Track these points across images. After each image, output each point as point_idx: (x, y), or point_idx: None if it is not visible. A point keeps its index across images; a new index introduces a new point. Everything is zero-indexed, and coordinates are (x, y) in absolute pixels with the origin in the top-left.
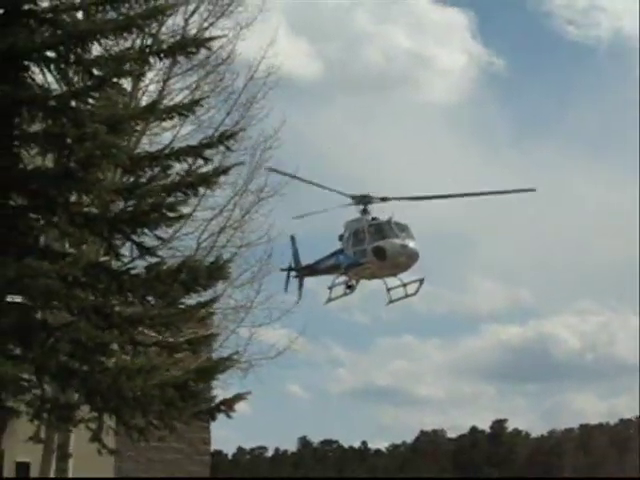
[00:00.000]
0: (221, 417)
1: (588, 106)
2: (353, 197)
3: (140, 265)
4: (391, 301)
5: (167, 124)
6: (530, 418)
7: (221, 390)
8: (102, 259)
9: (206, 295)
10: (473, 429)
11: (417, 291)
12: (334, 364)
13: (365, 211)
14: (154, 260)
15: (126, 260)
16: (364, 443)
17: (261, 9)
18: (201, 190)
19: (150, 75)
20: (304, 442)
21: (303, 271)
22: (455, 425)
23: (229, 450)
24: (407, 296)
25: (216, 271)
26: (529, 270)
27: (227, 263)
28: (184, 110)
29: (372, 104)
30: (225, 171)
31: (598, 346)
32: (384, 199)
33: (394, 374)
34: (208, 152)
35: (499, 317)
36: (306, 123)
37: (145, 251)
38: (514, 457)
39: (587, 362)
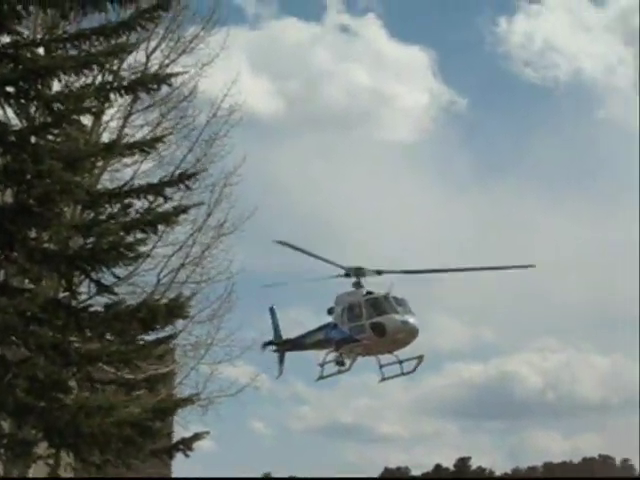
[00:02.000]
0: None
1: (547, 145)
2: (347, 269)
3: (99, 302)
4: (384, 379)
5: (128, 160)
6: (494, 456)
7: (181, 428)
8: (60, 296)
9: (165, 332)
10: (437, 467)
11: (415, 369)
12: (297, 401)
13: (359, 284)
14: (113, 297)
15: (84, 297)
16: None
17: (222, 47)
18: (160, 228)
19: (111, 111)
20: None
21: (285, 345)
22: (419, 463)
23: None
24: (403, 374)
25: (175, 309)
26: (490, 308)
27: (187, 301)
28: (145, 147)
29: (334, 141)
30: (185, 210)
31: (560, 384)
32: (379, 272)
33: (357, 412)
34: (168, 190)
35: (461, 355)
36: (268, 160)
37: (103, 288)
38: None
39: (550, 400)
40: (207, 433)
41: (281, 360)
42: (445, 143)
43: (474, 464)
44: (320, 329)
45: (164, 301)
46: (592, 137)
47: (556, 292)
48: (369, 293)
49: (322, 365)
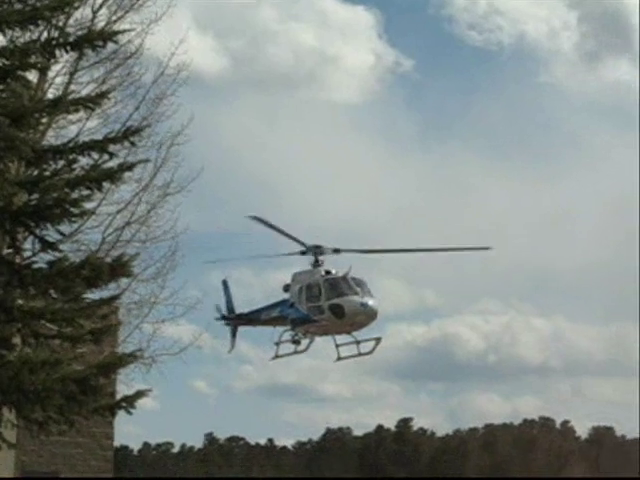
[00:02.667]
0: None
1: (490, 107)
2: (307, 247)
3: (43, 259)
4: (339, 358)
5: (73, 117)
6: (435, 417)
7: (124, 386)
8: (4, 252)
9: (109, 289)
10: (379, 427)
11: (373, 350)
12: (240, 361)
13: (317, 262)
14: (57, 254)
15: (28, 254)
16: (270, 440)
17: (169, 4)
18: (106, 185)
19: (56, 68)
20: (210, 438)
21: (238, 320)
22: (361, 423)
23: (135, 446)
24: (360, 354)
25: (119, 267)
26: (433, 270)
27: (131, 260)
28: (90, 103)
29: (279, 102)
30: (130, 167)
31: (501, 346)
32: (336, 251)
33: (300, 372)
34: (113, 147)
35: (404, 317)
36: (214, 120)
37: (48, 245)
38: (419, 456)
39: (490, 362)
40: (150, 390)
41: (233, 334)
42: (390, 104)
43: (415, 425)
44: (275, 305)
45: (108, 259)
46: (535, 100)
47: (497, 255)
48: (328, 273)
49: (278, 344)
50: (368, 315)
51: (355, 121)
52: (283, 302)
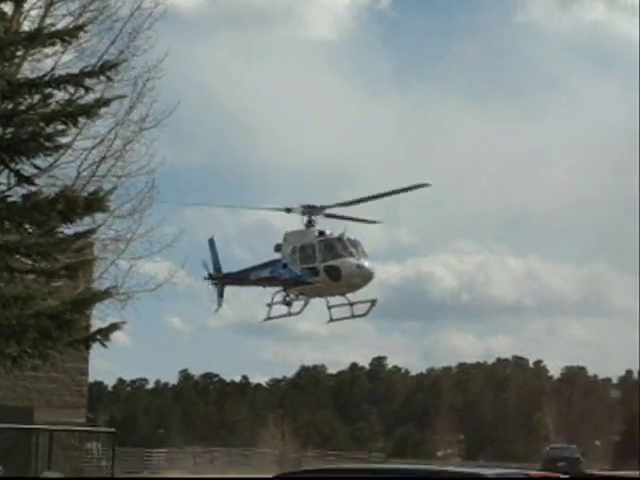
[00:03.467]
0: (101, 348)
1: (468, 47)
2: (287, 208)
3: (17, 193)
4: (332, 320)
5: (49, 50)
6: (409, 356)
7: (99, 321)
8: None
9: (85, 225)
10: (353, 365)
11: (367, 312)
12: (214, 298)
13: (310, 222)
14: (32, 188)
15: (3, 188)
16: (245, 377)
17: None
18: (81, 120)
19: (32, 0)
20: (185, 375)
21: (226, 279)
22: (336, 361)
23: (109, 382)
24: (354, 316)
25: (95, 202)
26: (407, 208)
27: (107, 195)
28: (66, 36)
29: (255, 38)
30: (106, 103)
31: (475, 285)
32: (323, 208)
33: (274, 309)
34: (89, 81)
35: (378, 256)
36: (189, 55)
37: (23, 179)
38: (393, 394)
39: (464, 301)
40: (124, 323)
41: (220, 294)
42: (367, 42)
43: (389, 363)
44: (266, 266)
45: (84, 194)
46: (512, 40)
47: (472, 194)
48: (322, 233)
49: (270, 305)
50: (364, 277)
51: (332, 59)
52: (274, 262)
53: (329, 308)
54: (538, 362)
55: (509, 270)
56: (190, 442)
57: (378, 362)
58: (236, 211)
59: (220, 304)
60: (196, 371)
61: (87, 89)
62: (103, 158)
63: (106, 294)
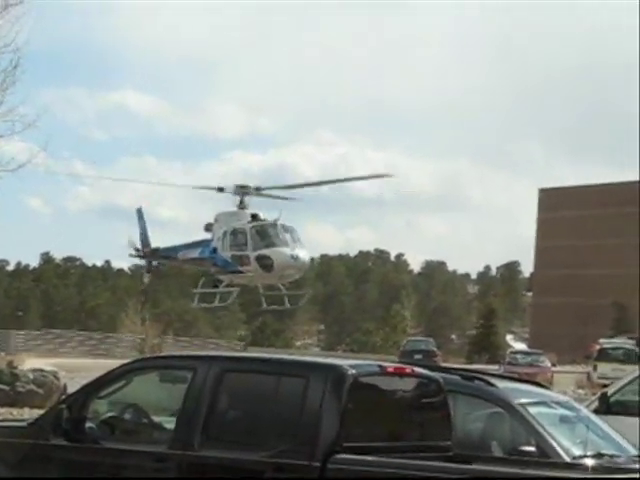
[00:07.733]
0: None
1: None
2: (219, 187)
3: None
4: (265, 309)
5: None
6: None
7: None
8: None
9: None
10: None
11: (299, 303)
12: (76, 181)
13: (242, 203)
14: None
15: None
16: (107, 262)
17: None
18: None
19: None
20: (46, 258)
21: (154, 255)
22: None
23: None
24: (286, 308)
25: None
26: (269, 97)
27: None
28: None
29: None
30: None
31: (336, 177)
32: (258, 189)
33: (136, 194)
34: None
35: (239, 144)
36: None
37: None
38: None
39: (325, 193)
40: None
41: (148, 270)
42: None
43: None
44: (196, 245)
45: None
46: None
47: (335, 86)
48: (254, 217)
49: (197, 294)
50: (298, 268)
51: None
52: (203, 243)
53: (262, 296)
54: (399, 255)
55: (370, 163)
56: (50, 325)
57: None
58: (94, 93)
59: (148, 280)
60: (57, 254)
61: None
62: None
63: None
